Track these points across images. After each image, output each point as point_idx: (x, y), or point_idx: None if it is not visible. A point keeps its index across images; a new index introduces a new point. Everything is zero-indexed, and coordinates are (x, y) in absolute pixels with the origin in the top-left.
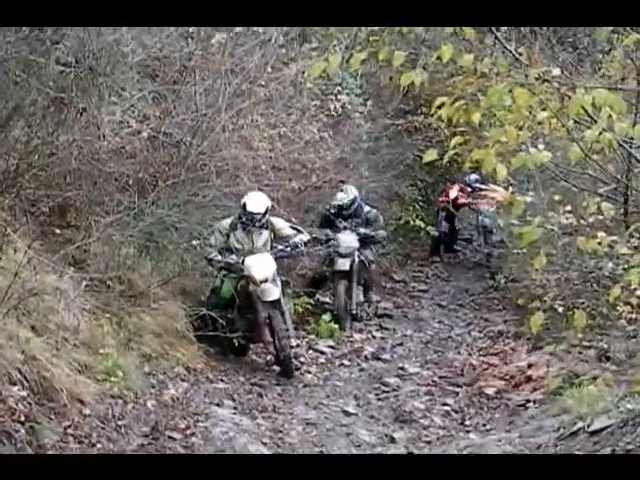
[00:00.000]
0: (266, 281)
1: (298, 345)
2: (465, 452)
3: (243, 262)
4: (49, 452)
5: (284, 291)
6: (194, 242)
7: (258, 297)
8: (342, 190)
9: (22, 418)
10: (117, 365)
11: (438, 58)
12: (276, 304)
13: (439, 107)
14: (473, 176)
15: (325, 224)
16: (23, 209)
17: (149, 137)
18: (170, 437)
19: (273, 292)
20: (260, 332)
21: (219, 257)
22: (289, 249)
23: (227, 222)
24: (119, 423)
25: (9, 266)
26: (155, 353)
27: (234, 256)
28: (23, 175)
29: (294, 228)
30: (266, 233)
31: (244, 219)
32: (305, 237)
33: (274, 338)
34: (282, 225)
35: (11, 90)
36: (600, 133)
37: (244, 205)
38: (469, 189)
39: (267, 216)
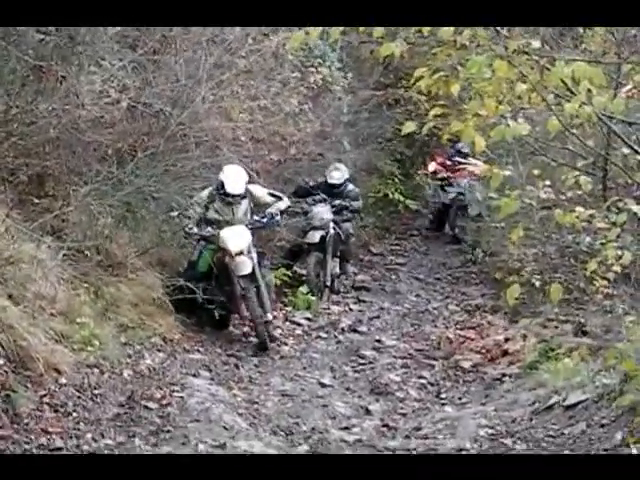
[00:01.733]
0: (241, 253)
1: (275, 317)
2: (440, 425)
3: (219, 234)
4: (24, 421)
5: (261, 263)
6: (172, 213)
7: (232, 270)
8: (337, 169)
9: None
10: (94, 335)
11: (419, 31)
12: (251, 277)
13: (418, 79)
14: (460, 144)
15: (300, 195)
16: (1, 178)
17: (128, 107)
18: (146, 407)
19: (246, 265)
20: (237, 305)
21: (195, 229)
22: (265, 219)
23: (205, 193)
24: (95, 392)
25: None
26: (132, 323)
27: (210, 228)
28: (2, 144)
29: (273, 195)
30: (245, 202)
31: (222, 194)
32: (284, 204)
33: (249, 311)
34: (261, 193)
35: None
36: (579, 106)
37: (222, 184)
38: (448, 162)
39: (245, 188)
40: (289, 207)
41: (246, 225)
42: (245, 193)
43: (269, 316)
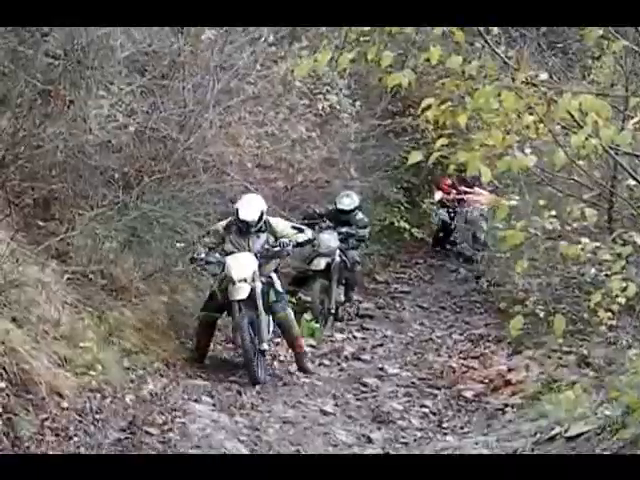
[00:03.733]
0: (244, 281)
1: (263, 352)
2: (442, 454)
3: (225, 261)
4: (25, 444)
5: (277, 297)
6: (178, 244)
7: (229, 296)
8: (348, 195)
9: (0, 409)
10: (97, 359)
11: (427, 60)
12: (249, 304)
13: (426, 109)
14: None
15: (307, 222)
16: (7, 200)
17: (136, 131)
18: (147, 432)
19: (243, 291)
20: (233, 332)
21: (203, 255)
22: (276, 249)
23: (222, 224)
24: (97, 417)
25: None
26: (135, 348)
27: (218, 254)
28: (8, 166)
29: (295, 228)
30: (264, 236)
31: (239, 225)
32: (303, 236)
33: (240, 339)
34: (282, 226)
35: None
36: (586, 139)
37: (237, 211)
38: (454, 191)
39: (263, 220)
40: (310, 241)
41: (255, 254)
42: (263, 225)
43: (264, 346)
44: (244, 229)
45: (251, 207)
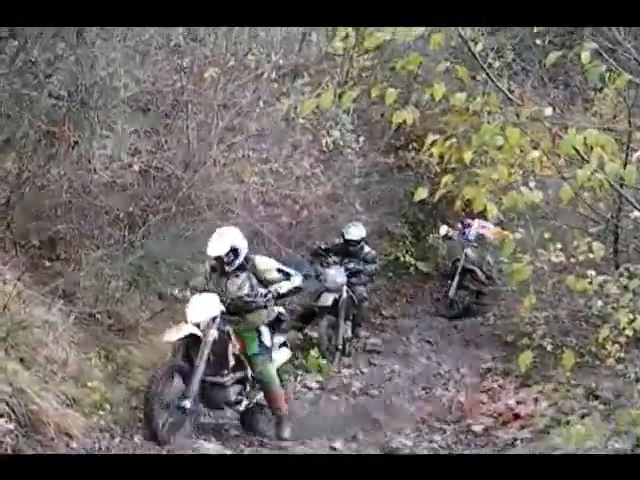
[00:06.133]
0: (197, 326)
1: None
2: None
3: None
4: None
5: (258, 349)
6: (175, 292)
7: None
8: (355, 226)
9: (9, 451)
10: (105, 399)
11: (431, 96)
12: (187, 352)
13: (431, 145)
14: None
15: (316, 258)
16: (13, 241)
17: (140, 171)
18: None
19: (172, 334)
20: None
21: (176, 292)
22: (249, 298)
23: (209, 264)
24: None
25: None
26: (143, 387)
27: (188, 292)
28: (14, 207)
29: (282, 272)
30: (243, 276)
31: (217, 264)
32: (288, 285)
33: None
34: (267, 267)
35: (3, 123)
36: (592, 173)
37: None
38: (459, 225)
39: (241, 256)
40: (298, 289)
41: (223, 301)
42: (245, 264)
43: (186, 403)
44: (219, 267)
45: (220, 241)
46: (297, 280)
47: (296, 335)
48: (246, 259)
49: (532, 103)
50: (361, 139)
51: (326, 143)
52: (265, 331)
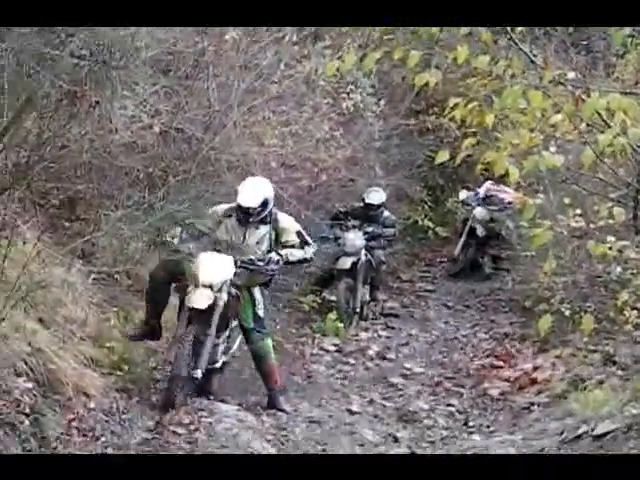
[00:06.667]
0: (210, 288)
1: (195, 378)
2: (468, 453)
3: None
4: (52, 445)
5: (254, 321)
6: (170, 238)
7: (186, 302)
8: (375, 191)
9: (27, 410)
10: (123, 359)
11: (454, 59)
12: (200, 318)
13: (452, 108)
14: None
15: (335, 222)
16: (33, 201)
17: (161, 132)
18: (174, 432)
19: (203, 299)
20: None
21: (176, 241)
22: (261, 263)
23: (223, 208)
24: (123, 417)
25: (18, 258)
26: (161, 348)
27: (191, 245)
28: (34, 167)
29: (300, 236)
30: (265, 230)
31: (238, 210)
32: (300, 254)
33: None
34: (288, 225)
35: (24, 82)
36: (614, 137)
37: (237, 195)
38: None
39: (268, 210)
40: (306, 260)
41: (235, 261)
42: (268, 217)
43: (198, 373)
44: (243, 217)
45: (254, 192)
46: (310, 252)
47: (313, 299)
48: (270, 213)
49: (554, 67)
50: (381, 102)
51: (346, 106)
52: (260, 299)
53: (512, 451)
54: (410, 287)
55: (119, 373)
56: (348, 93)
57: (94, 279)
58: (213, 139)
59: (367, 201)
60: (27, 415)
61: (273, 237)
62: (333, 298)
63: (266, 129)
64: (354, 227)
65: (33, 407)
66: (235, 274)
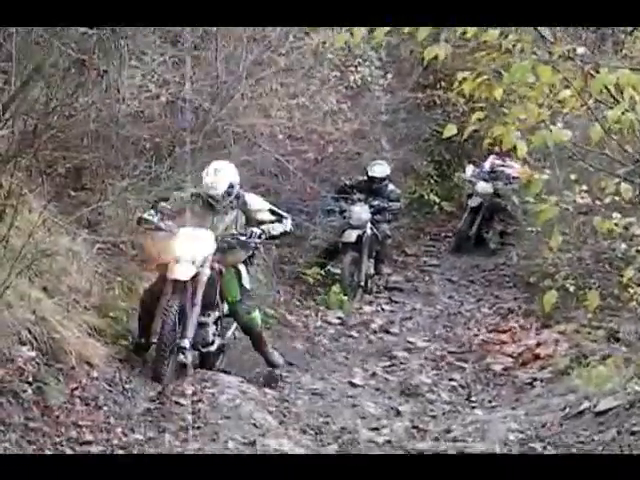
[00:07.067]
0: (191, 263)
1: (182, 348)
2: (470, 428)
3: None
4: (55, 413)
5: (240, 294)
6: (144, 215)
7: (169, 274)
8: (379, 164)
9: (30, 378)
10: (127, 329)
11: (463, 33)
12: (184, 290)
13: (461, 82)
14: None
15: (341, 195)
16: (39, 170)
17: (168, 102)
18: (177, 402)
19: (185, 270)
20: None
21: (155, 218)
22: (242, 238)
23: (186, 193)
24: (126, 387)
25: (23, 226)
26: None
27: (172, 223)
28: (41, 136)
29: (274, 213)
30: (233, 215)
31: (204, 197)
32: (280, 227)
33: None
34: (258, 206)
35: (32, 50)
36: (622, 113)
37: (202, 180)
38: (486, 164)
39: (234, 194)
40: (287, 233)
41: (216, 237)
42: (235, 201)
43: (186, 342)
44: (209, 203)
45: (218, 177)
46: (289, 223)
47: (318, 271)
48: (236, 196)
49: (564, 42)
50: (389, 76)
51: (354, 79)
52: (244, 271)
53: (514, 426)
54: (415, 261)
55: (123, 343)
56: (356, 66)
57: (99, 249)
58: (220, 110)
59: (370, 174)
60: (30, 384)
61: (242, 221)
62: (337, 271)
63: (273, 101)
64: (360, 200)
65: (36, 376)
66: (217, 250)
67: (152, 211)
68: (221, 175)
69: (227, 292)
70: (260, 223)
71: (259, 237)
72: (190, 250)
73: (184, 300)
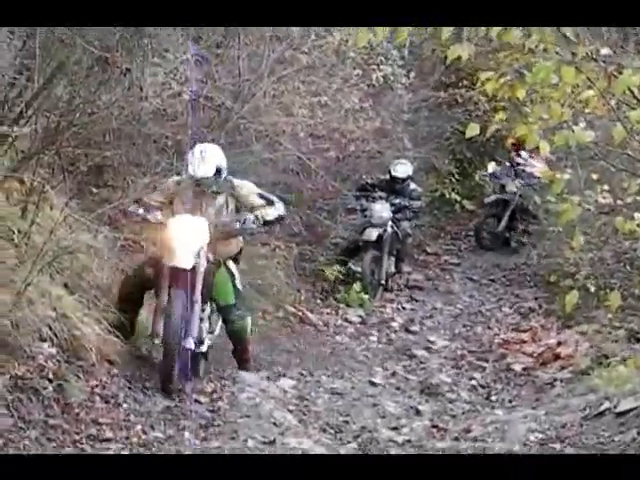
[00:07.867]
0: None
1: (189, 350)
2: (490, 427)
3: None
4: (75, 411)
5: (235, 297)
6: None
7: (165, 265)
8: (402, 163)
9: (50, 375)
10: (147, 326)
11: (486, 33)
12: (184, 282)
13: (485, 82)
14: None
15: (362, 193)
16: (62, 167)
17: (190, 100)
18: (196, 400)
19: (186, 259)
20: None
21: (140, 210)
22: (237, 224)
23: (174, 180)
24: (146, 384)
25: (45, 223)
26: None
27: (159, 214)
28: (63, 133)
29: (263, 197)
30: (222, 199)
31: (192, 182)
32: (274, 211)
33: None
34: (248, 191)
35: (56, 48)
36: None
37: (186, 166)
38: (507, 163)
39: (222, 178)
40: (281, 218)
41: (209, 225)
42: (223, 185)
43: (190, 342)
44: (197, 188)
45: (205, 160)
46: (281, 207)
47: (339, 269)
48: (225, 180)
49: (586, 42)
50: (411, 75)
51: (376, 78)
52: (236, 272)
53: (534, 426)
54: (435, 260)
55: (142, 340)
56: (378, 65)
57: (121, 246)
58: (242, 108)
59: (393, 174)
60: (50, 381)
61: (232, 206)
62: (358, 269)
63: (295, 99)
64: (381, 199)
65: (57, 373)
66: (212, 239)
67: (136, 205)
68: (208, 158)
69: (220, 293)
70: (252, 208)
71: (253, 222)
72: (187, 238)
73: (186, 293)
